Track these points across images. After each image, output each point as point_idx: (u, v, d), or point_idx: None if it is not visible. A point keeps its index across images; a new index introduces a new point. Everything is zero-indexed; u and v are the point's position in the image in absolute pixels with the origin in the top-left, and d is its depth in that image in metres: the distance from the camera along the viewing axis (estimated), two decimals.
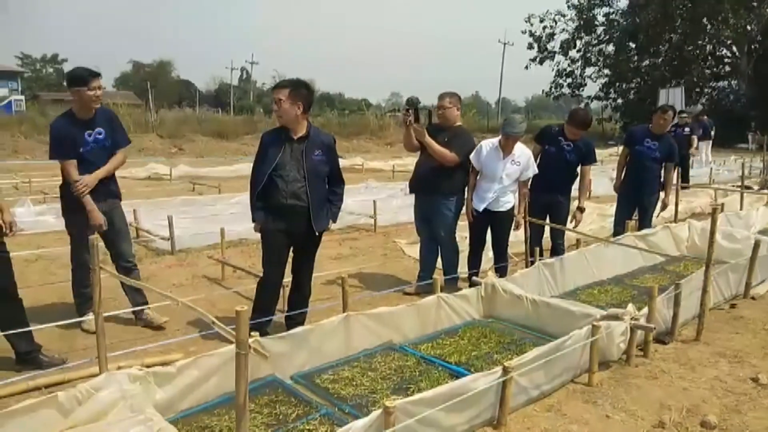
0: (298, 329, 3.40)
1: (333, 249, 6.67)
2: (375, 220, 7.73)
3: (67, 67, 66.39)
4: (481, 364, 3.49)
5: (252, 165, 3.97)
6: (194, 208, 8.41)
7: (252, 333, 3.51)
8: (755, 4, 30.85)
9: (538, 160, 5.29)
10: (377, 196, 9.47)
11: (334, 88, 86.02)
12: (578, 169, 5.39)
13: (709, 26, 32.09)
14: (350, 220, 7.86)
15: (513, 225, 5.04)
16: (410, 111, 4.77)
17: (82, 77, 3.89)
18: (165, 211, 6.73)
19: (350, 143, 25.53)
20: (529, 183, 5.02)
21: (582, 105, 39.27)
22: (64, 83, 4.39)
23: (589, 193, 8.25)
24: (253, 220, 3.94)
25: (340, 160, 4.18)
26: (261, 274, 4.98)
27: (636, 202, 6.17)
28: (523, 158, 4.85)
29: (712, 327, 4.31)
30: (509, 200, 4.93)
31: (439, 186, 4.88)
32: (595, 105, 39.47)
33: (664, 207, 6.27)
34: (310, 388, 3.18)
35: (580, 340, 3.30)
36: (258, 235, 4.06)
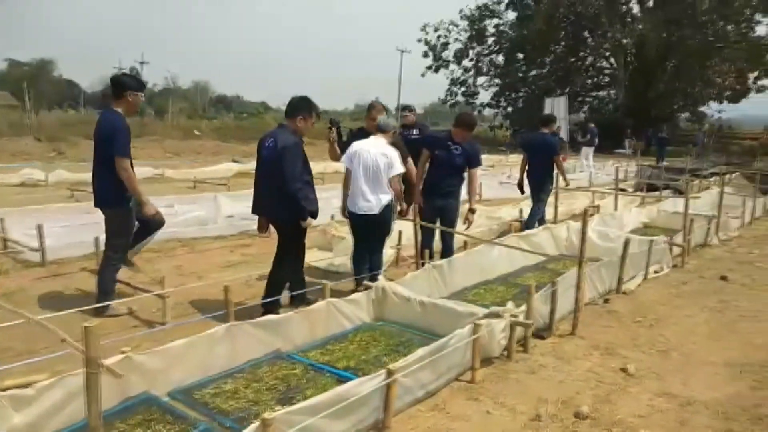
0: (177, 342, 3.23)
1: (223, 257, 6.45)
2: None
3: None
4: (370, 368, 3.48)
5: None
6: (71, 216, 7.80)
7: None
8: (629, 19, 33.56)
9: (427, 166, 5.41)
10: None
11: (231, 91, 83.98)
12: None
13: (590, 39, 34.49)
14: (243, 225, 7.65)
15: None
16: (333, 129, 5.33)
17: (143, 84, 4.56)
18: (37, 220, 6.20)
19: (248, 147, 24.98)
20: (398, 181, 4.87)
21: (475, 112, 40.90)
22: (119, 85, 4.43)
23: (480, 196, 8.57)
24: None
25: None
26: (141, 285, 4.78)
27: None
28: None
29: (587, 321, 4.57)
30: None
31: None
32: (488, 112, 41.24)
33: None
34: (189, 404, 3.02)
35: (462, 339, 3.38)
36: None
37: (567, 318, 4.53)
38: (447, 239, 5.53)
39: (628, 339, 4.32)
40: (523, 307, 3.92)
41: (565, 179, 7.63)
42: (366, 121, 5.40)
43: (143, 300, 4.65)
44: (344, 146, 5.19)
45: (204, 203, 8.42)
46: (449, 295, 4.95)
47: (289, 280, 4.64)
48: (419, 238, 5.27)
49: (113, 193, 4.38)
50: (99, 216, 7.74)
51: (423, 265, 5.05)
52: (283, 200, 4.29)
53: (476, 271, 5.44)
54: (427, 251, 5.17)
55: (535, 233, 6.40)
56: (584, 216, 4.15)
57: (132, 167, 4.36)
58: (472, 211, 5.52)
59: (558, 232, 6.70)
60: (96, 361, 1.61)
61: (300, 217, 4.36)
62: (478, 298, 5.00)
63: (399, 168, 4.75)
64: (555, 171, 7.40)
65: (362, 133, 5.22)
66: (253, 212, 4.69)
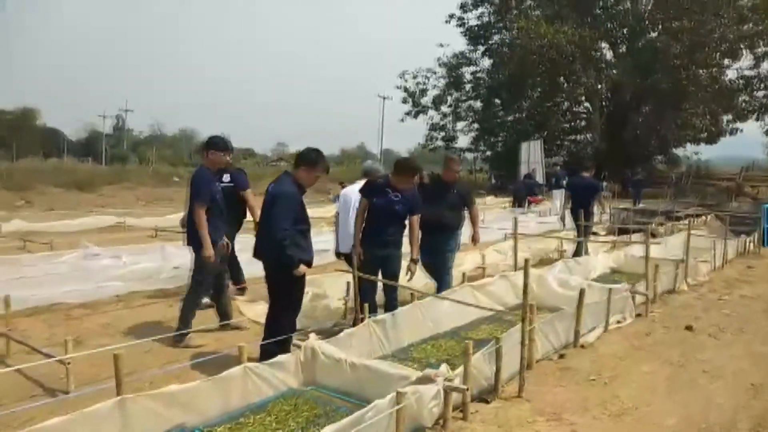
0: (53, 421, 2.82)
1: (159, 312, 6.02)
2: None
3: None
4: None
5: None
6: (11, 269, 7.37)
7: None
8: (603, 65, 34.22)
9: (366, 214, 5.11)
10: None
11: None
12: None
13: (565, 84, 35.01)
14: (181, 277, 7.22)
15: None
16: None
17: (227, 145, 5.52)
18: None
19: None
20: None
21: (456, 156, 41.05)
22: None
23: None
24: None
25: None
26: (46, 352, 4.36)
27: None
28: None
29: (537, 380, 4.21)
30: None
31: None
32: (468, 156, 41.39)
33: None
34: None
35: (382, 411, 3.00)
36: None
37: (516, 378, 4.16)
38: (389, 292, 5.17)
39: (579, 401, 3.94)
40: (460, 369, 3.56)
41: (603, 209, 10.10)
42: (443, 172, 6.13)
43: (51, 366, 4.23)
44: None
45: (153, 254, 8.03)
46: (393, 353, 4.58)
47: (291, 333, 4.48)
48: (359, 290, 4.90)
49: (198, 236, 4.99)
50: (44, 268, 7.35)
51: (363, 320, 4.68)
52: (271, 244, 4.28)
53: (423, 325, 5.06)
54: (367, 305, 4.80)
55: (492, 282, 6.07)
56: (525, 265, 3.83)
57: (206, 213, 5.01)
58: (414, 261, 5.19)
59: (517, 280, 6.35)
60: None
61: (288, 264, 4.24)
62: (423, 355, 4.62)
63: None
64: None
65: (440, 182, 6.11)
66: (254, 256, 4.65)
